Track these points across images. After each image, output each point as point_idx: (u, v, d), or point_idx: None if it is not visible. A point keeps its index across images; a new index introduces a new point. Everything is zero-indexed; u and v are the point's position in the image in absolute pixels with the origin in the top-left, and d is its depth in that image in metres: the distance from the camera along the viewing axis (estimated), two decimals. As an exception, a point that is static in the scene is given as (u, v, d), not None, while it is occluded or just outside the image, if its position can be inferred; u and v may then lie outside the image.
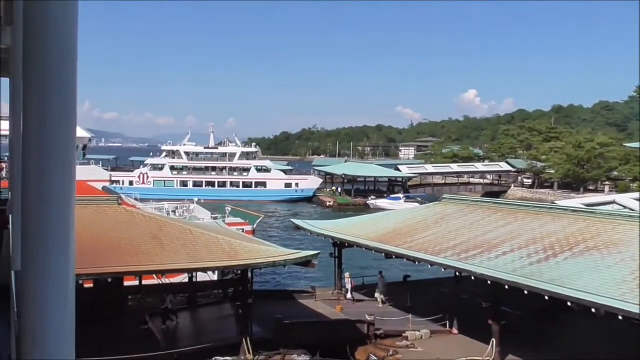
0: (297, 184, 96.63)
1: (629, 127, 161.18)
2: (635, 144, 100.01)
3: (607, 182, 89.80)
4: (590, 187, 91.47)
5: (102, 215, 20.88)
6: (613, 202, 37.69)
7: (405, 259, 24.01)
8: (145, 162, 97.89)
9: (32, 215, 1.76)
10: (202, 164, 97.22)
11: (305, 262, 21.42)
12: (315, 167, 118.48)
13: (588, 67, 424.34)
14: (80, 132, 42.15)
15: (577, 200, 40.48)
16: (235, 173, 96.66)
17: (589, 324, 19.89)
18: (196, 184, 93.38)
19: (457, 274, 23.04)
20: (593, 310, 15.48)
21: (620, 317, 14.81)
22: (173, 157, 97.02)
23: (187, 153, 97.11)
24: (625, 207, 35.65)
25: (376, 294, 27.57)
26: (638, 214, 22.51)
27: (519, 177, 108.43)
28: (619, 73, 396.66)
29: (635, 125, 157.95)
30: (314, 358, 21.07)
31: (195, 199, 41.60)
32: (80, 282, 18.14)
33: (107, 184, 41.96)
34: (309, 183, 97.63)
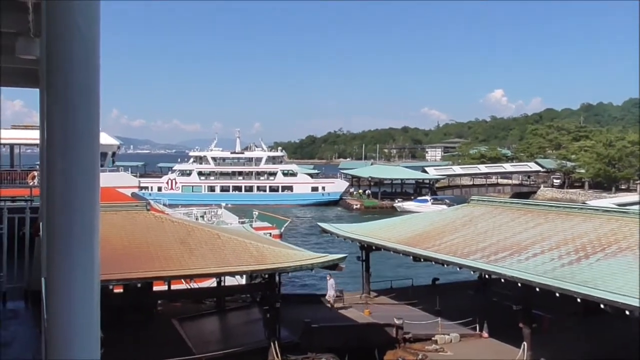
0: (323, 188, 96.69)
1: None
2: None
3: (639, 182, 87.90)
4: (623, 187, 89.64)
5: (131, 221, 21.18)
6: (646, 201, 36.90)
7: (433, 262, 23.80)
8: (173, 168, 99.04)
9: (56, 223, 1.78)
10: (229, 169, 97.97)
11: (333, 266, 21.38)
12: (342, 171, 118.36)
13: (617, 63, 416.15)
14: (109, 140, 42.94)
15: (609, 200, 39.76)
16: (262, 177, 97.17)
17: (622, 327, 19.46)
18: (223, 189, 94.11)
19: (486, 276, 22.73)
20: (627, 312, 15.13)
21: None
22: (200, 163, 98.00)
23: (214, 158, 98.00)
24: (659, 206, 34.86)
25: (327, 296, 27.32)
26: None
27: (549, 178, 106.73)
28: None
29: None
30: (343, 362, 21.04)
31: (223, 204, 41.96)
32: (111, 287, 18.42)
33: (136, 190, 42.58)
34: (336, 186, 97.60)
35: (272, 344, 20.36)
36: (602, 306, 15.97)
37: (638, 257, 17.41)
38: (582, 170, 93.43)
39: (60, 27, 1.75)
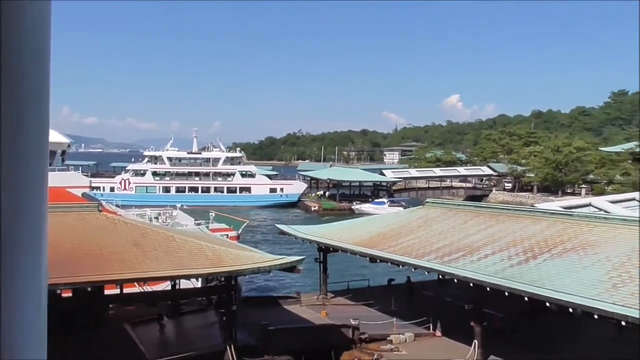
0: (282, 189, 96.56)
1: (604, 132, 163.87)
2: (610, 149, 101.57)
3: (583, 186, 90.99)
4: (568, 190, 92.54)
5: (82, 222, 20.74)
6: (589, 204, 38.21)
7: (389, 263, 24.14)
8: (126, 168, 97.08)
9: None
10: (186, 169, 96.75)
11: (290, 268, 21.42)
12: (301, 172, 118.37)
13: (566, 73, 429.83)
14: (59, 138, 41.72)
15: (555, 203, 40.92)
16: (220, 178, 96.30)
17: (569, 324, 20.19)
18: (179, 190, 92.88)
19: (441, 277, 23.24)
20: (571, 310, 15.75)
21: (595, 317, 15.08)
22: (155, 163, 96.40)
23: (170, 158, 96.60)
24: (601, 209, 36.15)
25: None
26: (613, 217, 22.93)
27: (501, 181, 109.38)
28: (595, 79, 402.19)
29: (611, 130, 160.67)
30: (299, 364, 21.12)
31: (179, 205, 41.40)
32: (59, 292, 17.95)
33: (87, 190, 41.51)
34: (294, 188, 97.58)
35: (228, 347, 20.28)
36: (547, 304, 16.58)
37: (581, 257, 18.13)
38: (532, 175, 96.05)
39: (8, 22, 1.79)
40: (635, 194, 44.32)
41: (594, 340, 20.79)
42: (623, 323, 14.60)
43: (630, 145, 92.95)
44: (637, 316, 14.01)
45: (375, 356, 21.51)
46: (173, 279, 21.59)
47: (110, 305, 24.62)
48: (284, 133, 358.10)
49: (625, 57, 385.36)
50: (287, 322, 24.01)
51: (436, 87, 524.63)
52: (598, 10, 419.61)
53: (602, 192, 74.37)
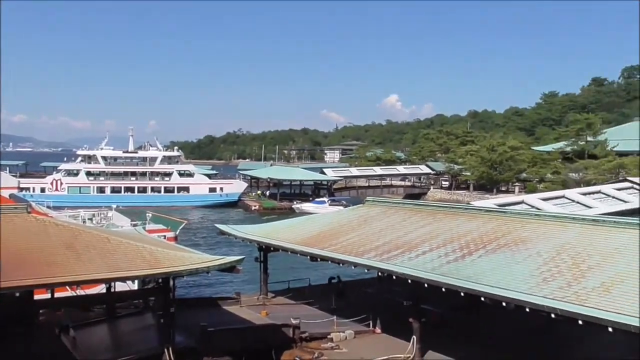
0: (221, 189, 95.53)
1: (536, 131, 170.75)
2: (541, 148, 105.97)
3: (517, 184, 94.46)
4: (502, 188, 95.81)
5: (9, 225, 19.72)
6: (522, 202, 39.69)
7: (330, 262, 24.26)
8: (59, 168, 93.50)
9: None
10: (121, 169, 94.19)
11: (230, 268, 21.12)
12: (241, 171, 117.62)
13: (500, 75, 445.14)
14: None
15: (490, 201, 42.34)
16: (157, 178, 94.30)
17: (505, 317, 20.88)
18: (115, 190, 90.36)
19: (380, 274, 23.56)
20: (504, 304, 16.26)
21: (527, 310, 15.64)
22: (89, 162, 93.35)
23: (104, 158, 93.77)
24: (533, 206, 37.64)
25: None
26: (544, 213, 23.89)
27: (439, 180, 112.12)
28: (527, 81, 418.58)
29: (542, 130, 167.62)
30: (239, 365, 20.92)
31: (114, 205, 40.22)
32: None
33: (15, 191, 39.71)
34: (234, 187, 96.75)
35: (166, 350, 19.84)
36: (482, 299, 17.07)
37: (514, 253, 18.77)
38: (468, 173, 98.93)
39: None
40: (564, 192, 46.37)
41: (527, 333, 21.63)
42: (552, 315, 15.19)
43: (560, 144, 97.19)
44: (565, 309, 14.60)
45: (316, 354, 21.56)
46: (108, 281, 20.84)
47: (41, 311, 23.61)
48: (224, 132, 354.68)
49: (555, 60, 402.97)
50: (226, 323, 23.73)
51: (376, 87, 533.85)
52: (530, 16, 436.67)
53: (534, 190, 77.38)
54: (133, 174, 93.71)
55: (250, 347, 21.59)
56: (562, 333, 19.75)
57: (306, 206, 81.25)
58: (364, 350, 21.43)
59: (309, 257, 25.36)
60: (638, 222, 19.20)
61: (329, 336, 22.99)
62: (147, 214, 37.04)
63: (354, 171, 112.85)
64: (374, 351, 21.19)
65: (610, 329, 13.68)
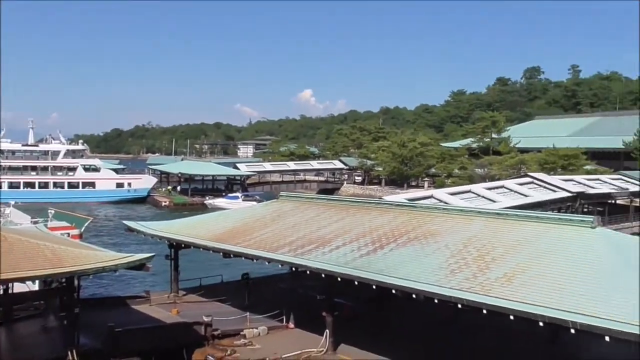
0: (129, 184, 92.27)
1: (445, 128, 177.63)
2: (449, 144, 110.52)
3: (426, 179, 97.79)
4: (413, 183, 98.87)
5: None
6: (431, 196, 41.16)
7: (243, 258, 24.03)
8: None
9: None
10: (20, 163, 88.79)
11: (139, 266, 20.40)
12: (150, 166, 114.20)
13: (411, 72, 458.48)
14: None
15: (401, 196, 43.55)
16: (60, 173, 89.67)
17: (416, 309, 21.56)
18: (13, 186, 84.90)
19: (294, 269, 23.63)
20: (414, 296, 16.77)
21: (436, 301, 16.21)
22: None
23: (1, 151, 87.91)
24: (441, 201, 39.14)
25: None
26: (452, 207, 24.85)
27: (352, 175, 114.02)
28: (436, 79, 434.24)
29: (451, 127, 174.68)
30: (149, 365, 20.30)
31: (12, 202, 37.74)
32: None
33: None
34: (143, 183, 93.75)
35: (70, 352, 18.88)
36: (394, 291, 17.51)
37: (424, 246, 19.38)
38: (380, 168, 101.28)
39: None
40: (470, 187, 48.52)
41: (436, 323, 22.46)
42: (459, 306, 15.84)
43: (467, 141, 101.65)
44: (471, 299, 15.25)
45: (229, 352, 21.29)
46: (5, 282, 19.55)
47: None
48: (132, 125, 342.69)
49: (462, 59, 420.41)
50: (135, 322, 22.91)
51: (289, 82, 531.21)
52: (439, 17, 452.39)
53: (442, 185, 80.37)
54: (33, 168, 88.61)
55: (160, 346, 20.98)
56: (468, 324, 20.61)
57: (219, 202, 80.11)
58: (277, 346, 21.40)
59: (221, 253, 25.04)
60: (538, 215, 20.42)
61: (241, 333, 22.78)
62: (49, 211, 35.08)
63: (268, 166, 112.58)
64: (288, 346, 21.21)
65: (512, 317, 14.43)
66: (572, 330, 13.39)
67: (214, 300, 27.53)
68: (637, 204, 61.64)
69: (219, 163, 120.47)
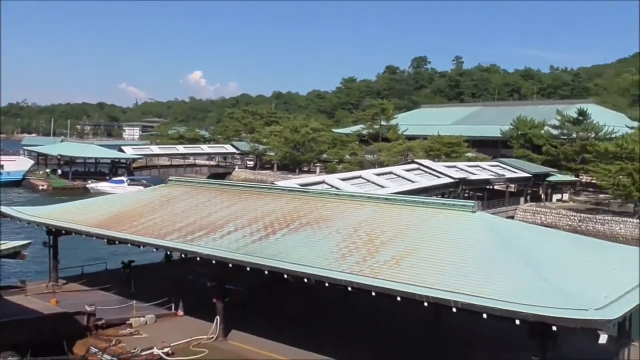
0: (2, 166, 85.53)
1: (336, 114, 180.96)
2: (341, 130, 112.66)
3: (318, 164, 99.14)
4: (305, 169, 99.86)
5: None
6: (323, 182, 41.86)
7: (130, 244, 23.09)
8: None
9: None
10: None
11: (14, 254, 19.10)
12: (26, 147, 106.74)
13: (302, 58, 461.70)
14: None
15: (293, 181, 43.90)
16: None
17: (309, 293, 21.81)
18: None
19: (184, 255, 23.06)
20: (306, 280, 16.94)
21: (327, 284, 16.48)
22: None
23: None
24: (332, 186, 39.93)
25: None
26: (343, 193, 25.36)
27: (243, 159, 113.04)
28: (329, 65, 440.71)
29: (342, 113, 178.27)
30: (25, 359, 19.03)
31: None
32: None
33: None
34: (18, 165, 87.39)
35: None
36: (285, 276, 17.58)
37: (316, 231, 19.59)
38: (272, 153, 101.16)
39: None
40: (361, 172, 49.87)
41: (329, 306, 22.89)
42: (349, 289, 16.20)
43: (358, 127, 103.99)
44: (361, 281, 15.64)
45: (113, 342, 20.46)
46: None
47: None
48: (5, 102, 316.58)
49: (353, 47, 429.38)
50: (9, 314, 21.32)
51: (178, 62, 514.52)
52: (330, 3, 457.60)
53: (333, 171, 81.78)
54: None
55: (37, 339, 19.78)
56: (360, 304, 21.19)
57: (102, 186, 76.41)
58: (165, 334, 20.83)
59: (105, 240, 23.94)
60: (424, 200, 21.31)
61: (127, 322, 21.97)
62: None
63: (156, 149, 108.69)
64: (177, 334, 20.72)
65: (399, 298, 14.97)
66: (454, 309, 14.13)
67: (97, 289, 26.26)
68: (512, 190, 66.54)
69: (102, 145, 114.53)
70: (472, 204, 19.30)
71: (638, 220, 52.96)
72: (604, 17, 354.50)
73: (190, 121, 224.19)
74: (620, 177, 54.72)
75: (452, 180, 52.40)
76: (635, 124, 70.01)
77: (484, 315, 13.58)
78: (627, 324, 18.11)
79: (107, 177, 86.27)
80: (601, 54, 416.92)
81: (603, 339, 13.00)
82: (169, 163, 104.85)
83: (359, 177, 46.94)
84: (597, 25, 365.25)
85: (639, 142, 57.06)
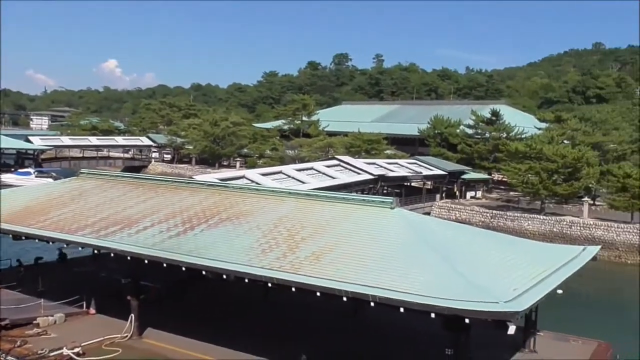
0: None
1: (257, 109, 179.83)
2: (262, 125, 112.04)
3: (238, 159, 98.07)
4: (225, 163, 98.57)
5: None
6: (243, 177, 41.50)
7: (37, 240, 21.89)
8: None
9: None
10: None
11: None
12: None
13: (222, 50, 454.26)
14: None
15: (212, 175, 43.20)
16: None
17: (229, 289, 21.52)
18: None
19: (97, 251, 22.06)
20: (225, 276, 16.70)
21: (246, 281, 16.32)
22: None
23: None
24: (253, 181, 39.65)
25: None
26: (263, 188, 25.20)
27: (160, 152, 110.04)
28: (250, 58, 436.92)
29: (263, 107, 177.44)
30: None
31: None
32: None
33: None
34: None
35: None
36: (204, 272, 17.25)
37: (236, 227, 19.34)
38: (191, 147, 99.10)
39: None
40: (282, 168, 49.78)
41: (247, 303, 22.68)
42: (269, 285, 16.11)
43: (279, 122, 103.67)
44: (281, 277, 15.60)
45: (19, 343, 19.33)
46: None
47: None
48: None
49: (275, 40, 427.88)
50: None
51: (91, 50, 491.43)
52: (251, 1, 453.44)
53: (254, 165, 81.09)
54: None
55: None
56: (280, 300, 21.11)
57: (7, 177, 72.00)
58: (76, 334, 19.93)
59: (10, 235, 22.57)
60: (344, 196, 21.51)
61: (35, 322, 20.84)
62: None
63: (66, 140, 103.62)
64: (88, 333, 19.88)
65: (318, 294, 15.04)
66: (373, 304, 14.36)
67: (1, 287, 24.70)
68: (429, 187, 68.70)
69: (7, 135, 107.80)
70: (391, 201, 19.68)
71: (544, 217, 56.15)
72: (516, 21, 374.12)
73: (104, 112, 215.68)
74: (529, 175, 57.76)
75: (371, 177, 53.39)
76: (544, 125, 73.93)
77: (402, 309, 13.90)
78: (533, 315, 19.23)
79: (12, 169, 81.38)
80: (513, 56, 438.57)
81: (512, 329, 13.68)
82: (80, 155, 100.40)
83: (280, 172, 46.90)
84: (510, 28, 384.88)
85: (547, 142, 60.54)
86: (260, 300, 22.24)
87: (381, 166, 58.94)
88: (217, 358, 18.71)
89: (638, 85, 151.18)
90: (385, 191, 57.54)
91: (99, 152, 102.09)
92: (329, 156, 65.81)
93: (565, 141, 66.36)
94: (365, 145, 77.26)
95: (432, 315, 13.54)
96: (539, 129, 72.76)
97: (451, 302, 13.18)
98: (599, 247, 22.42)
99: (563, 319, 24.80)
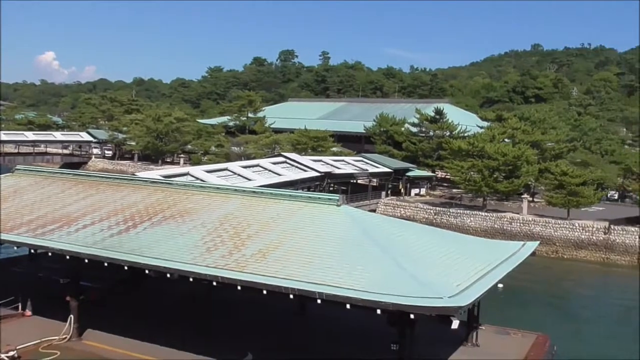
0: None
1: (201, 104, 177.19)
2: (206, 121, 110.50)
3: (182, 155, 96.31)
4: (168, 160, 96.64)
5: None
6: (187, 173, 40.74)
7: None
8: None
9: None
10: None
11: None
12: None
13: (167, 44, 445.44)
14: None
15: (155, 172, 42.20)
16: None
17: (173, 288, 21.08)
18: None
19: (33, 251, 21.17)
20: (168, 275, 16.35)
21: (191, 279, 16.04)
22: None
23: None
24: (197, 178, 39.00)
25: None
26: (208, 185, 24.82)
27: (101, 148, 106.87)
28: (194, 53, 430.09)
29: (207, 103, 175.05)
30: None
31: None
32: None
33: None
34: None
35: None
36: (147, 271, 16.84)
37: (180, 225, 18.96)
38: (133, 143, 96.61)
39: None
40: (227, 165, 49.16)
41: (190, 302, 22.27)
42: (214, 283, 15.88)
43: (224, 119, 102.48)
44: (226, 276, 15.41)
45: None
46: None
47: None
48: None
49: (221, 36, 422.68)
50: None
51: (27, 41, 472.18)
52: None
53: (198, 162, 79.84)
54: None
55: None
56: (226, 299, 20.83)
57: None
58: (11, 337, 19.06)
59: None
60: (290, 194, 21.43)
61: (-36, 326, 19.82)
62: None
63: (1, 135, 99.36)
64: (24, 336, 19.08)
65: (265, 292, 14.93)
66: (319, 301, 14.37)
67: None
68: (375, 184, 69.44)
69: None
70: (337, 198, 19.75)
71: (486, 214, 57.74)
72: (460, 21, 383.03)
73: (41, 106, 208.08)
74: (472, 173, 59.28)
75: (318, 174, 53.47)
76: (485, 123, 75.96)
77: (348, 306, 13.96)
78: (475, 309, 19.71)
79: (-59, 165, 77.37)
80: (456, 56, 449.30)
81: (455, 324, 13.96)
82: (15, 151, 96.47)
83: (225, 169, 46.33)
84: (454, 29, 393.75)
85: (488, 141, 62.22)
86: (205, 299, 21.90)
87: (328, 163, 59.12)
88: (160, 358, 18.33)
89: (573, 87, 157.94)
90: (331, 188, 57.80)
91: (36, 148, 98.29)
92: (275, 153, 65.53)
93: (506, 140, 68.43)
94: (311, 143, 77.33)
95: (378, 311, 13.66)
96: (481, 127, 74.72)
97: (396, 297, 13.33)
98: (538, 242, 23.20)
99: (504, 313, 25.58)
